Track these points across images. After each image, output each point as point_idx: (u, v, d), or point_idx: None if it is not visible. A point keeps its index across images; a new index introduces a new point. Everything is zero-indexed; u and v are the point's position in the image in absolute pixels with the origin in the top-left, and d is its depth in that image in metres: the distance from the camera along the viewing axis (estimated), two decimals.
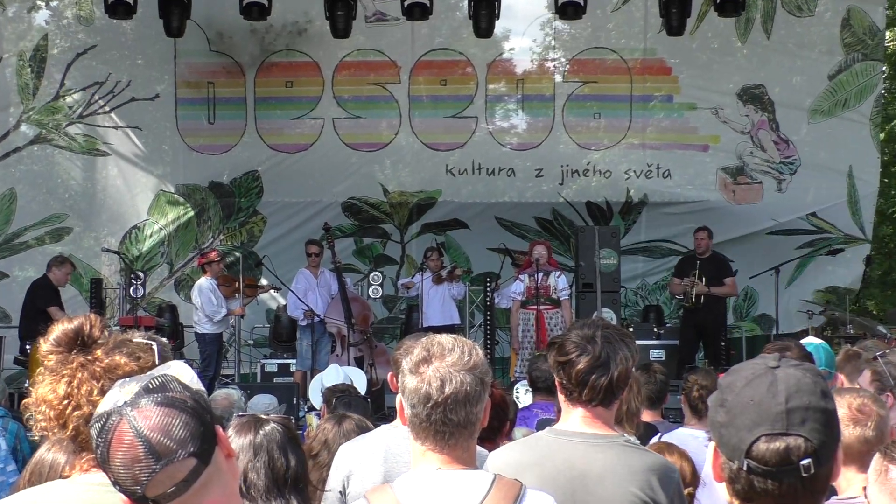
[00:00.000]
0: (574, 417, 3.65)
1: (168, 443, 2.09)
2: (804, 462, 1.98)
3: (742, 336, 16.32)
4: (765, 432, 1.99)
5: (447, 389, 2.85)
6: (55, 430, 2.45)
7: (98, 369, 2.43)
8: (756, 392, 2.02)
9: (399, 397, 2.98)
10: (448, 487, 2.88)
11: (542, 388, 7.30)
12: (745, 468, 2.00)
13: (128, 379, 2.21)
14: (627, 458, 3.58)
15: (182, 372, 2.23)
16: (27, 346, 13.03)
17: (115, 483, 2.13)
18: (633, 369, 3.69)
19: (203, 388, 2.24)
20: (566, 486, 3.48)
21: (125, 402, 2.13)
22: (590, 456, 3.56)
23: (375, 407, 12.50)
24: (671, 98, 17.55)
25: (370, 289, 16.08)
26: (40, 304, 13.79)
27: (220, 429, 2.21)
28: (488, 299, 15.06)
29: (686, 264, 14.66)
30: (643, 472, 3.54)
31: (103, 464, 2.14)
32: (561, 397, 3.69)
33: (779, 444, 1.98)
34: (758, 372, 2.05)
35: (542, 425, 6.49)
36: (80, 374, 2.42)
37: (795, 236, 16.91)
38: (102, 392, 2.40)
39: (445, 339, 2.96)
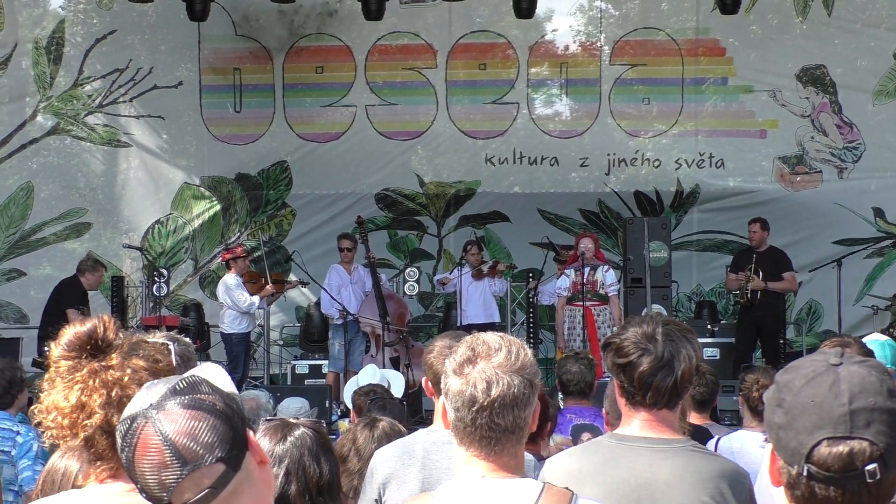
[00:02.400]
0: (636, 422, 3.58)
1: (195, 447, 2.09)
2: (869, 467, 1.94)
3: (803, 350, 16.14)
4: (827, 436, 1.95)
5: (493, 392, 2.81)
6: (67, 439, 2.44)
7: (111, 377, 2.42)
8: (817, 392, 1.98)
9: (442, 399, 2.96)
10: (494, 497, 2.85)
11: (573, 391, 7.27)
12: (805, 473, 1.97)
13: (156, 381, 2.21)
14: (696, 465, 3.52)
15: (215, 374, 2.23)
16: (45, 349, 13.10)
17: (141, 490, 2.14)
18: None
19: (236, 391, 2.23)
20: (631, 495, 3.45)
21: (151, 405, 2.13)
22: (655, 463, 3.50)
23: (412, 410, 12.52)
24: (726, 80, 17.45)
25: (406, 285, 16.08)
26: (63, 305, 13.88)
27: (252, 434, 2.20)
28: (531, 297, 15.01)
29: (742, 259, 14.59)
30: (713, 478, 3.49)
31: (128, 468, 2.14)
32: (621, 401, 3.63)
33: (842, 449, 1.95)
34: (818, 370, 2.01)
35: (577, 431, 6.46)
36: (91, 382, 2.41)
37: (863, 247, 16.62)
38: (117, 401, 2.42)
39: (491, 337, 2.92)
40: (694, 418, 6.86)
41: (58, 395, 2.43)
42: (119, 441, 2.16)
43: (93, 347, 2.45)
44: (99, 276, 14.45)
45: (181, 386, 2.15)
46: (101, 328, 2.46)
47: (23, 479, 7.05)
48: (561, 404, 7.71)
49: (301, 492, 3.53)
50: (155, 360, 2.48)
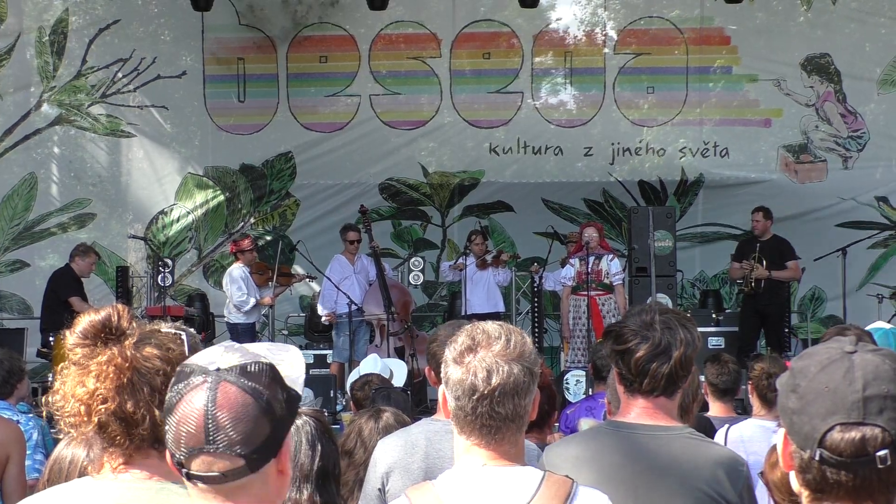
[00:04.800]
0: (635, 409, 3.61)
1: (228, 433, 2.13)
2: (880, 453, 1.95)
3: (808, 338, 16.11)
4: (840, 421, 1.97)
5: (494, 381, 2.81)
6: (83, 426, 2.46)
7: (124, 364, 2.43)
8: (831, 378, 2.00)
9: (442, 388, 2.95)
10: (494, 485, 2.84)
11: (606, 376, 7.28)
12: (817, 458, 1.98)
13: (236, 346, 2.25)
14: (693, 452, 3.55)
15: (292, 366, 2.26)
16: (50, 339, 13.12)
17: (166, 434, 2.19)
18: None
19: (300, 393, 2.26)
20: (628, 481, 3.47)
21: (218, 368, 2.17)
22: (652, 449, 3.53)
23: (417, 400, 12.52)
24: (730, 70, 17.44)
25: (411, 275, 16.08)
26: (62, 295, 13.90)
27: (287, 444, 2.23)
28: (535, 285, 15.01)
29: (746, 247, 14.59)
30: (710, 466, 3.52)
31: (167, 411, 2.19)
32: (620, 388, 3.66)
33: (854, 435, 1.96)
34: (833, 357, 2.03)
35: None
36: (106, 368, 2.43)
37: (867, 230, 16.58)
38: (130, 387, 2.43)
39: (491, 326, 2.92)
40: (717, 408, 6.85)
41: (73, 382, 2.45)
42: (173, 380, 2.21)
43: (107, 335, 2.46)
44: (90, 261, 14.39)
45: (252, 369, 2.18)
46: (116, 316, 2.49)
47: None
48: (582, 390, 7.71)
49: (291, 479, 3.55)
50: (168, 348, 2.51)
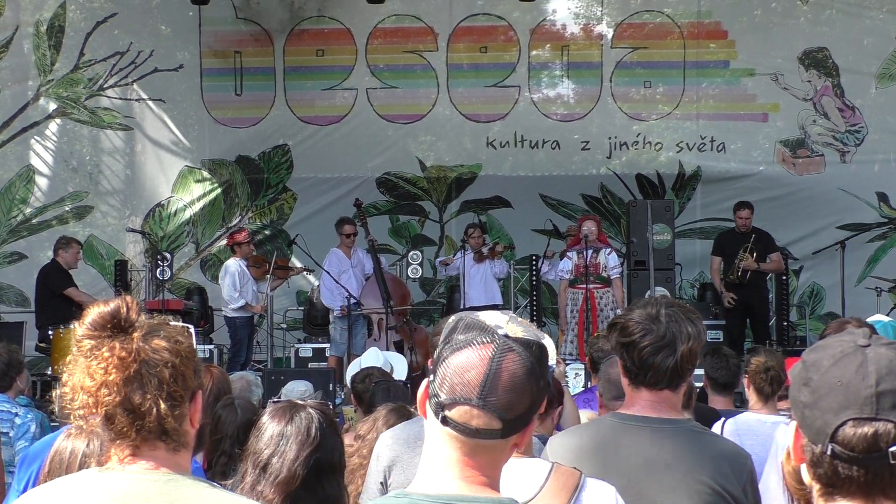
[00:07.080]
0: (639, 401, 3.60)
1: (499, 396, 2.22)
2: (893, 449, 1.94)
3: (807, 335, 16.08)
4: (852, 416, 1.95)
5: None
6: (93, 417, 2.46)
7: (132, 356, 2.43)
8: (844, 373, 1.98)
9: None
10: (504, 476, 2.84)
11: None
12: (828, 453, 1.97)
13: (518, 319, 2.35)
14: (696, 445, 3.55)
15: (551, 350, 2.44)
16: (49, 333, 13.11)
17: (432, 373, 2.31)
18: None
19: (549, 377, 2.37)
20: (630, 473, 3.46)
21: (506, 335, 2.27)
22: (656, 442, 3.52)
23: (416, 393, 12.51)
24: (727, 64, 17.41)
25: (409, 268, 16.06)
26: (56, 289, 13.90)
27: (533, 424, 2.35)
28: (535, 270, 15.02)
29: (728, 240, 14.65)
30: (713, 458, 3.51)
31: (439, 360, 2.29)
32: (625, 381, 3.66)
33: (867, 430, 1.94)
34: (846, 350, 2.01)
35: None
36: (113, 360, 2.42)
37: (866, 233, 16.52)
38: (137, 379, 2.42)
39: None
40: (717, 402, 6.85)
41: (82, 374, 2.45)
42: (452, 324, 2.32)
43: (115, 326, 2.46)
44: (74, 252, 14.38)
45: (534, 348, 2.29)
46: (125, 308, 2.48)
47: (20, 461, 7.06)
48: (581, 383, 7.70)
49: (283, 464, 3.59)
50: (176, 340, 2.50)
